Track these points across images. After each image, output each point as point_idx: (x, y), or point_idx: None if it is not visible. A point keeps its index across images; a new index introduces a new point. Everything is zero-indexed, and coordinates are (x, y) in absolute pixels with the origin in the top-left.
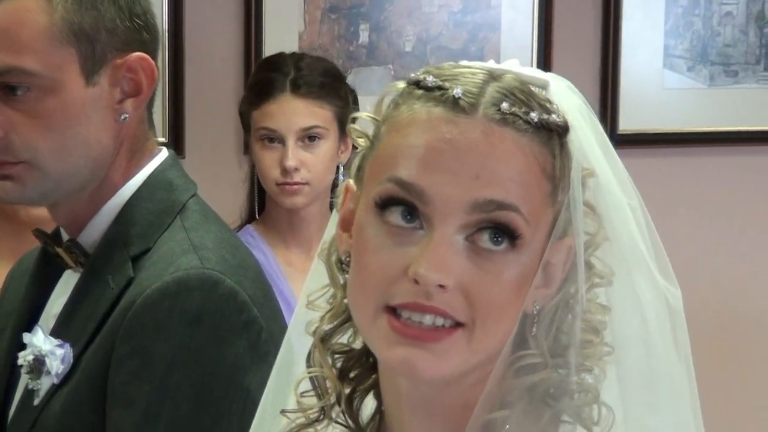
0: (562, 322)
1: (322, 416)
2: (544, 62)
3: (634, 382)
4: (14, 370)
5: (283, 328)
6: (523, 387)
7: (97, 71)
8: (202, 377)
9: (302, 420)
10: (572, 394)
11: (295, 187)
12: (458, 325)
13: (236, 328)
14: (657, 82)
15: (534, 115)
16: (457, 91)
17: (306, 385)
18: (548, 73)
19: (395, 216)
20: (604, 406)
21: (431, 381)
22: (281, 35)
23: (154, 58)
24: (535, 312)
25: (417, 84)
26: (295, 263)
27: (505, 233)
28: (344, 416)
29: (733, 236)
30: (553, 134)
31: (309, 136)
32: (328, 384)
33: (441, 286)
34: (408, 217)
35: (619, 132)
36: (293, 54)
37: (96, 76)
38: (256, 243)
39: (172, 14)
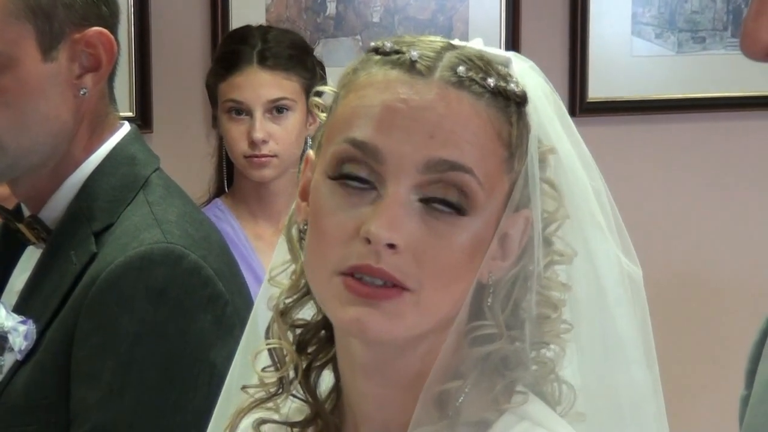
0: (520, 295)
1: (280, 389)
2: (513, 31)
3: (593, 357)
4: None
5: (249, 302)
6: (478, 357)
7: (54, 47)
8: (167, 352)
9: (262, 394)
10: (528, 365)
11: (264, 159)
12: (406, 289)
13: (201, 303)
14: (625, 49)
15: (491, 81)
16: (413, 54)
17: (267, 361)
18: (511, 52)
19: (350, 177)
20: (566, 384)
21: (382, 342)
22: (248, 8)
23: (114, 32)
24: (490, 283)
25: (375, 50)
26: (264, 237)
27: (459, 194)
28: (302, 389)
29: (702, 201)
30: (511, 102)
31: (277, 108)
32: (287, 357)
33: (391, 246)
34: (362, 177)
35: (589, 100)
36: (260, 27)
37: (54, 52)
38: (225, 217)
39: None
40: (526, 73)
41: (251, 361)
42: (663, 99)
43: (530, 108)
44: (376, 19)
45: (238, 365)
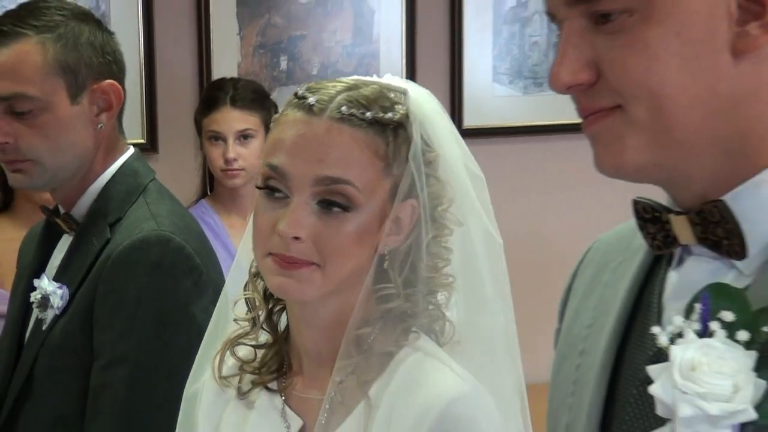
0: (414, 260)
1: (254, 325)
2: (411, 78)
3: (467, 302)
4: (28, 306)
5: (219, 271)
6: (383, 310)
7: (79, 94)
8: (161, 306)
9: (241, 331)
10: (421, 314)
11: (234, 172)
12: (313, 263)
13: (184, 272)
14: (488, 91)
15: (369, 114)
16: (311, 100)
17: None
18: (412, 83)
19: (270, 191)
20: (449, 321)
21: (299, 301)
22: (225, 65)
23: (122, 83)
24: (386, 253)
25: (294, 95)
26: (235, 226)
27: (343, 198)
28: (268, 327)
29: (544, 201)
30: (387, 127)
31: (243, 136)
32: (257, 303)
33: (296, 238)
34: (279, 189)
35: (464, 127)
36: (232, 78)
37: (79, 98)
38: (208, 213)
39: (147, 49)
40: (422, 98)
41: (231, 307)
42: (516, 126)
43: (416, 125)
44: (315, 72)
45: (214, 322)
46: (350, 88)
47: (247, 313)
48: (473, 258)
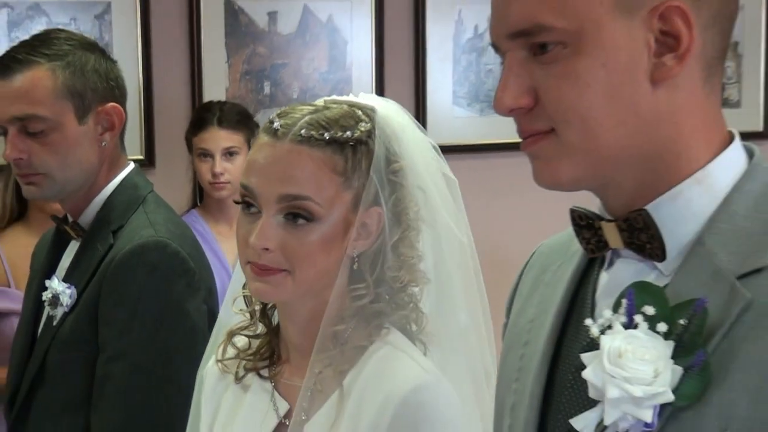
0: (383, 261)
1: (251, 318)
2: None
3: (437, 296)
4: (40, 304)
5: (210, 274)
6: (356, 308)
7: (85, 115)
8: (157, 304)
9: (241, 324)
10: (391, 311)
11: (221, 185)
12: (284, 270)
13: (179, 274)
14: (449, 113)
15: (327, 135)
16: (276, 125)
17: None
18: (383, 98)
19: (246, 206)
20: (423, 313)
21: (277, 302)
22: (214, 89)
23: (123, 105)
24: (355, 256)
25: (269, 120)
26: (223, 233)
27: (305, 212)
28: (262, 320)
29: (497, 209)
30: (346, 145)
31: (229, 153)
32: (253, 299)
33: (266, 249)
34: (252, 207)
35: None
36: (219, 101)
37: (85, 119)
38: (198, 221)
39: (145, 75)
40: (391, 113)
41: (231, 303)
42: (473, 144)
43: (381, 139)
44: (295, 96)
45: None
46: (316, 111)
47: (246, 308)
48: (440, 257)
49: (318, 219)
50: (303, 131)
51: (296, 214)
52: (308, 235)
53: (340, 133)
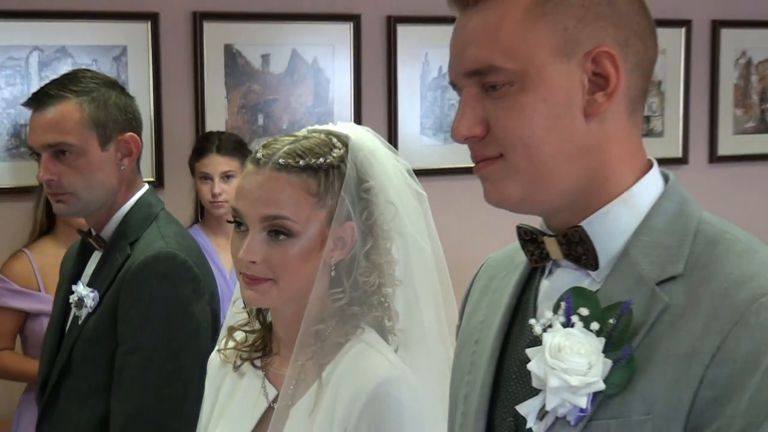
0: (357, 267)
1: (249, 316)
2: None
3: (405, 298)
4: (68, 306)
5: (213, 281)
6: (335, 309)
7: (107, 143)
8: (168, 307)
9: (240, 321)
10: (366, 312)
11: (219, 203)
12: (269, 279)
13: (186, 280)
14: (417, 141)
15: (302, 162)
16: (259, 155)
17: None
18: (360, 126)
19: (237, 225)
20: (394, 311)
21: (265, 306)
22: (215, 121)
23: (140, 134)
24: (332, 264)
25: (255, 150)
26: (221, 245)
27: (284, 229)
28: (257, 318)
29: (457, 225)
30: (319, 170)
31: (226, 176)
32: None
33: (252, 262)
34: (242, 225)
35: None
36: (218, 132)
37: (107, 146)
38: (199, 235)
39: (156, 109)
40: (363, 139)
41: (231, 304)
42: (438, 168)
43: (352, 163)
44: (284, 127)
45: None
46: (295, 141)
47: (244, 308)
48: (408, 262)
49: (296, 235)
50: (281, 160)
51: (277, 231)
52: (289, 248)
53: (314, 160)
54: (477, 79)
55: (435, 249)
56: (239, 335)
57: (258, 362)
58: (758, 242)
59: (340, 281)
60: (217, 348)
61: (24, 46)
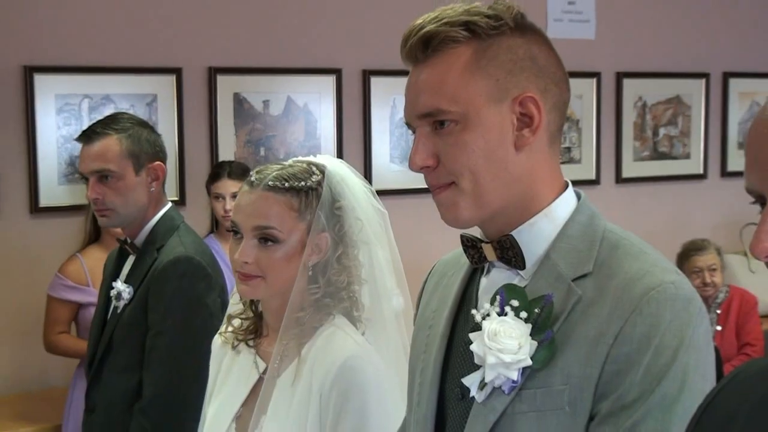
0: (330, 269)
1: (244, 307)
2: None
3: (372, 293)
4: (109, 299)
5: (222, 277)
6: (312, 300)
7: (140, 170)
8: (186, 299)
9: (237, 310)
10: (339, 304)
11: (229, 218)
12: (259, 277)
13: (200, 278)
14: (387, 168)
15: (287, 184)
16: (253, 178)
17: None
18: (336, 159)
19: (234, 233)
20: (362, 302)
21: (255, 299)
22: (226, 153)
23: (165, 163)
24: (310, 266)
25: (250, 174)
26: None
27: (271, 236)
28: (251, 308)
29: (418, 237)
30: (300, 191)
31: (235, 196)
32: None
33: (246, 262)
34: (238, 233)
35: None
36: (230, 161)
37: (140, 172)
38: (214, 242)
39: (179, 143)
40: (338, 168)
41: (231, 297)
42: (407, 188)
43: (328, 187)
44: (281, 157)
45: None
46: (282, 168)
47: (241, 300)
48: (371, 266)
49: (281, 241)
50: (270, 182)
51: (266, 238)
52: (275, 252)
53: (296, 183)
54: (428, 120)
55: (393, 255)
56: (236, 321)
57: (251, 342)
58: (649, 246)
59: (316, 279)
60: (219, 332)
61: (77, 95)
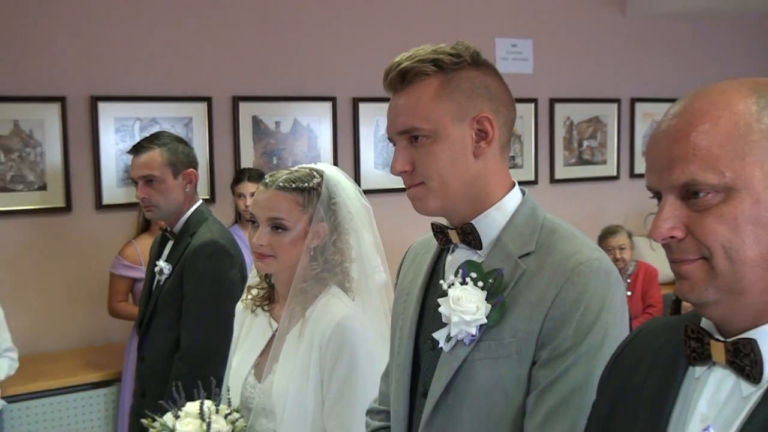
0: (327, 250)
1: (261, 279)
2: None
3: (360, 268)
4: (154, 273)
5: (242, 257)
6: (313, 274)
7: (177, 175)
8: (213, 275)
9: (256, 281)
10: (334, 277)
11: (249, 210)
12: (272, 256)
13: (224, 257)
14: (373, 172)
15: (294, 185)
16: (266, 180)
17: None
18: (333, 166)
19: (252, 222)
20: (352, 277)
21: (267, 272)
22: (246, 162)
23: (197, 169)
24: (311, 248)
25: (264, 177)
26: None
27: (281, 226)
28: (267, 280)
29: (399, 223)
30: (304, 190)
31: (253, 194)
32: None
33: (261, 245)
34: (255, 223)
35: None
36: (250, 168)
37: (178, 177)
38: (237, 231)
39: (210, 154)
40: (333, 173)
41: (250, 273)
42: (385, 188)
43: (326, 187)
44: (289, 164)
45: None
46: (290, 172)
47: (258, 275)
48: (359, 248)
49: (289, 229)
50: (281, 183)
51: (277, 226)
52: (284, 238)
53: (301, 184)
54: (405, 136)
55: (376, 240)
56: (254, 291)
57: (266, 307)
58: (579, 231)
59: (316, 258)
60: (240, 299)
61: (131, 118)
